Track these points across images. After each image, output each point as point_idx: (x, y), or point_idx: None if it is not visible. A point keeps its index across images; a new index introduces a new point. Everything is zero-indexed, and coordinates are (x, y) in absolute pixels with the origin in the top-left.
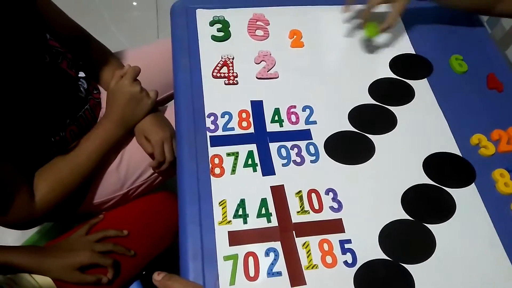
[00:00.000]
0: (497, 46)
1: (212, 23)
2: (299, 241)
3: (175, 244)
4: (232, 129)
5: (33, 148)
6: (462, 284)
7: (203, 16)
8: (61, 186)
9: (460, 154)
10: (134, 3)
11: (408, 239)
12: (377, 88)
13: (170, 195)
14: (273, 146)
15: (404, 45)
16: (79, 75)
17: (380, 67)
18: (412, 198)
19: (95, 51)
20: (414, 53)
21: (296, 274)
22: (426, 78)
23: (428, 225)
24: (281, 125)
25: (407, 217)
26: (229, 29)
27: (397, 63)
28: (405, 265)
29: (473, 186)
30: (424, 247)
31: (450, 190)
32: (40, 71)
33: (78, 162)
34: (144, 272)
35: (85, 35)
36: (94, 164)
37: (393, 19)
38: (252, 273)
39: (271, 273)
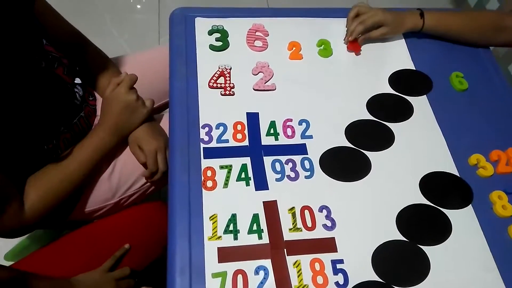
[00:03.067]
0: (499, 62)
1: (210, 32)
2: (290, 259)
3: (165, 256)
4: (227, 141)
5: (25, 156)
6: None
7: (202, 25)
8: (51, 194)
9: (458, 174)
10: (138, 6)
11: (402, 261)
12: (376, 103)
13: (162, 205)
14: (268, 160)
15: (404, 61)
16: (75, 82)
17: (379, 82)
18: (408, 218)
19: (92, 57)
20: (414, 69)
21: None
22: (425, 95)
23: (423, 247)
24: (276, 139)
25: (402, 237)
26: (228, 38)
27: (396, 79)
28: None
29: (470, 207)
30: (418, 270)
31: (447, 211)
32: (35, 77)
33: (69, 170)
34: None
35: (82, 40)
36: (86, 172)
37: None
38: None
39: None
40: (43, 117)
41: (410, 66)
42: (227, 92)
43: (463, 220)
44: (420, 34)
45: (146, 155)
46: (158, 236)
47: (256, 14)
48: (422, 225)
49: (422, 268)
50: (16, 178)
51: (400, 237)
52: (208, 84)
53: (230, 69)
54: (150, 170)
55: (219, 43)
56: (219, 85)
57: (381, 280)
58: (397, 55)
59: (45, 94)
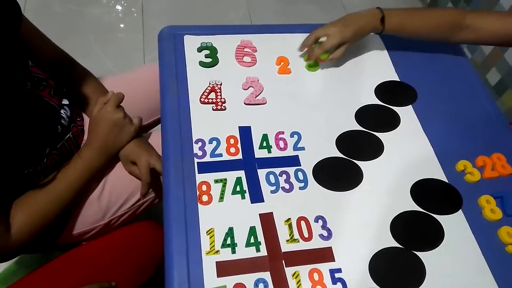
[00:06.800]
0: (477, 70)
1: (200, 49)
2: (289, 271)
3: (158, 275)
4: (220, 155)
5: (10, 178)
6: None
7: (191, 42)
8: (39, 216)
9: (447, 180)
10: (122, 25)
11: (398, 267)
12: (364, 114)
13: (153, 224)
14: (262, 173)
15: (389, 73)
16: (62, 103)
17: (366, 94)
18: (401, 225)
19: (79, 77)
20: (399, 80)
21: None
22: (411, 105)
23: (418, 253)
24: (269, 151)
25: (397, 244)
26: (217, 55)
27: (382, 90)
28: None
29: (460, 212)
30: (414, 276)
31: (438, 217)
32: (19, 98)
33: (57, 191)
34: None
35: (69, 61)
36: (74, 193)
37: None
38: None
39: None
40: (29, 139)
41: (395, 77)
42: (219, 107)
43: (454, 225)
44: (403, 47)
45: (139, 168)
46: (150, 255)
47: (243, 31)
48: (416, 231)
49: (418, 273)
50: (2, 200)
51: (395, 244)
52: (200, 100)
53: (221, 84)
54: (144, 183)
55: (209, 60)
56: (210, 100)
57: (381, 287)
58: (381, 68)
59: (30, 116)
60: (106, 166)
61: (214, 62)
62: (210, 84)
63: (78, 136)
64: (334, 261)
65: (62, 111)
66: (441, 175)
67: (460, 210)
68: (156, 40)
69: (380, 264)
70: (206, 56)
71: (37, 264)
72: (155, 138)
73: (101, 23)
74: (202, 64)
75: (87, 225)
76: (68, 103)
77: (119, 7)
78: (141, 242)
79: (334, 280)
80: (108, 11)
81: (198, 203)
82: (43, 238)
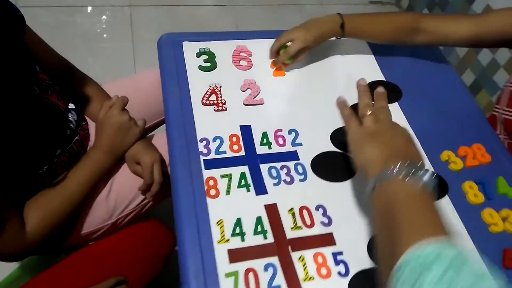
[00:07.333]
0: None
1: (198, 55)
2: (295, 255)
3: (165, 273)
4: (224, 152)
5: (23, 180)
6: None
7: (190, 48)
8: (51, 216)
9: (433, 170)
10: (111, 35)
11: None
12: (355, 111)
13: (158, 223)
14: (264, 167)
15: (375, 73)
16: (69, 107)
17: (355, 93)
18: None
19: (81, 83)
20: (385, 79)
21: (294, 287)
22: (396, 102)
23: None
24: (269, 148)
25: None
26: (215, 59)
27: (370, 89)
28: None
29: (446, 197)
30: None
31: None
32: (29, 103)
33: (68, 192)
34: None
35: (70, 68)
36: (84, 193)
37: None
38: None
39: (271, 287)
40: (39, 142)
41: (381, 77)
42: (220, 108)
43: (442, 209)
44: (387, 50)
45: (143, 168)
46: (157, 253)
47: (238, 36)
48: None
49: None
50: (16, 202)
51: None
52: (201, 102)
53: (220, 87)
54: (145, 182)
55: (208, 64)
56: (211, 102)
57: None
58: (368, 69)
59: (39, 119)
60: (113, 166)
61: (213, 66)
62: (210, 86)
63: (85, 138)
64: (335, 245)
65: (69, 114)
66: (427, 165)
67: (447, 195)
68: (145, 49)
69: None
70: (205, 60)
71: (41, 268)
72: (157, 139)
73: (90, 32)
74: (201, 68)
75: (96, 225)
76: (74, 107)
77: (107, 17)
78: (147, 241)
79: (337, 262)
80: (97, 21)
81: (207, 197)
82: (53, 238)
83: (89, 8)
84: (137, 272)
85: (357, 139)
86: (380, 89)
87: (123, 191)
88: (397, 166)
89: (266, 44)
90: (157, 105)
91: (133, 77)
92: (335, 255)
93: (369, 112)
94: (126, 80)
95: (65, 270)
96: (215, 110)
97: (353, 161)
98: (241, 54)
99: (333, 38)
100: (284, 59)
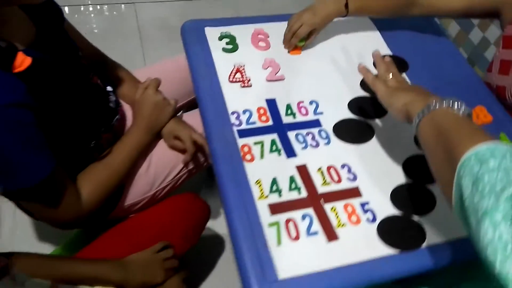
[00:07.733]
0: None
1: (220, 38)
2: (327, 206)
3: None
4: (254, 123)
5: (76, 154)
6: None
7: (212, 33)
8: (102, 187)
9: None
10: (118, 31)
11: (414, 197)
12: (366, 83)
13: (193, 196)
14: (291, 134)
15: (382, 48)
16: (107, 89)
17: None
18: (412, 165)
19: (114, 69)
20: (391, 53)
21: (329, 232)
22: (404, 73)
23: (429, 186)
24: (294, 117)
25: (410, 180)
26: (236, 42)
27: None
28: (415, 217)
29: None
30: (428, 202)
31: None
32: (79, 83)
33: (115, 166)
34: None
35: (102, 56)
36: (127, 167)
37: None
38: (294, 235)
39: (309, 233)
40: (87, 119)
41: (388, 52)
42: (246, 84)
43: None
44: (391, 27)
45: (184, 140)
46: (194, 223)
47: (255, 21)
48: (422, 169)
49: (430, 201)
50: (70, 175)
51: (409, 180)
52: (228, 79)
53: (244, 66)
54: (189, 152)
55: (230, 46)
56: (237, 79)
57: (401, 212)
58: (375, 45)
59: (87, 99)
60: (151, 142)
61: (235, 48)
62: (235, 66)
63: (123, 118)
64: (361, 196)
65: (109, 95)
66: None
67: None
68: (153, 44)
69: (399, 195)
70: (227, 43)
71: (82, 245)
72: (187, 118)
73: (97, 29)
74: (225, 50)
75: (137, 197)
76: (112, 89)
77: (113, 14)
78: (185, 212)
79: (365, 211)
80: (104, 18)
81: (244, 162)
82: (101, 210)
83: (91, 7)
84: (178, 239)
85: (389, 93)
86: (388, 58)
87: (161, 165)
88: (438, 101)
89: (281, 26)
90: (183, 88)
91: (157, 65)
92: (362, 205)
93: (390, 75)
94: (150, 68)
95: (117, 237)
96: (241, 87)
97: (390, 110)
98: (259, 36)
99: (340, 18)
100: (295, 42)
